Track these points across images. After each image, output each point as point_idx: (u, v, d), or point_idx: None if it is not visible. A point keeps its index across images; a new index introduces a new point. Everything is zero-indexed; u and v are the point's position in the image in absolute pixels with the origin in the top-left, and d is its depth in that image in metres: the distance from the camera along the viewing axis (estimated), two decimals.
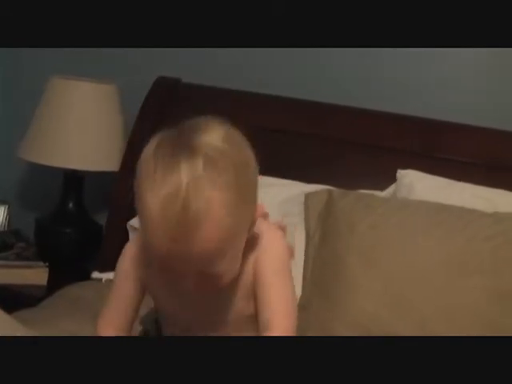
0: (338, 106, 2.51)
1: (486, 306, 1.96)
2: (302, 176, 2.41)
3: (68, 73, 2.71)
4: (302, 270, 2.14)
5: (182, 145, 1.27)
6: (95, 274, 2.43)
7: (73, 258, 2.70)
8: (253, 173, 1.32)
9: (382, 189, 2.34)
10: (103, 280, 2.36)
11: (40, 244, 2.72)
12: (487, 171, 2.32)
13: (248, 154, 1.33)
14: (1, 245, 2.69)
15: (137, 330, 1.54)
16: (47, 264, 2.60)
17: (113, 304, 1.47)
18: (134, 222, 2.39)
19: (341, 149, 2.45)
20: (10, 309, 1.99)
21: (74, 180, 2.72)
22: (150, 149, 1.29)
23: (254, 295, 1.40)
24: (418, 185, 2.28)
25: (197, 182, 1.23)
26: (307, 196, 2.27)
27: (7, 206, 2.90)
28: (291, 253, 1.48)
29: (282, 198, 2.34)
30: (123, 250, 1.49)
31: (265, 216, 1.45)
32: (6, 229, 2.87)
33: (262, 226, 1.39)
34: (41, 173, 2.90)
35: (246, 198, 1.29)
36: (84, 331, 1.70)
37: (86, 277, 2.46)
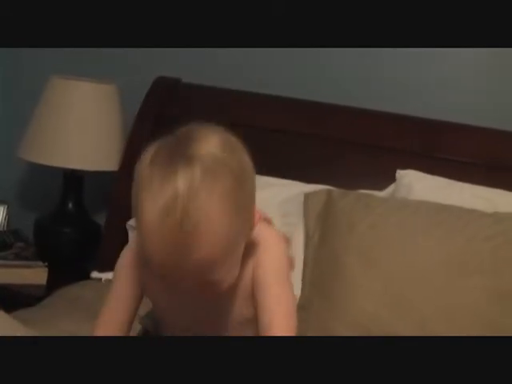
0: (338, 106, 2.51)
1: (486, 306, 1.96)
2: (302, 176, 2.41)
3: (68, 73, 2.71)
4: (301, 270, 2.14)
5: (179, 154, 1.25)
6: (94, 274, 2.44)
7: (72, 257, 2.70)
8: (250, 179, 1.32)
9: (383, 189, 2.34)
10: (102, 280, 2.37)
11: (39, 244, 2.72)
12: (487, 171, 2.32)
13: (245, 160, 1.32)
14: (0, 244, 2.69)
15: (136, 330, 1.53)
16: (46, 264, 2.60)
17: (112, 304, 1.47)
18: (134, 222, 2.38)
19: (341, 149, 2.45)
20: (10, 309, 1.99)
21: (73, 180, 2.72)
22: (146, 158, 1.28)
23: (254, 298, 1.40)
24: (417, 185, 2.28)
25: (194, 192, 1.23)
26: (306, 196, 2.27)
27: (6, 206, 2.90)
28: (292, 264, 1.47)
29: (281, 198, 2.34)
30: (122, 252, 1.49)
31: (268, 222, 1.45)
32: (5, 228, 2.87)
33: (261, 230, 1.39)
34: (40, 173, 2.90)
35: (243, 206, 1.29)
36: (83, 331, 1.69)
37: (86, 277, 2.46)
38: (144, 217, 1.25)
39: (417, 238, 2.04)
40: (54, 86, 2.65)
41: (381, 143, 2.42)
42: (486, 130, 2.37)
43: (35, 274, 2.58)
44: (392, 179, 2.35)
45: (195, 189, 1.23)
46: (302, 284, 2.12)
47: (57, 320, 2.05)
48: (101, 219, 2.70)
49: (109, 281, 1.92)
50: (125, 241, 2.39)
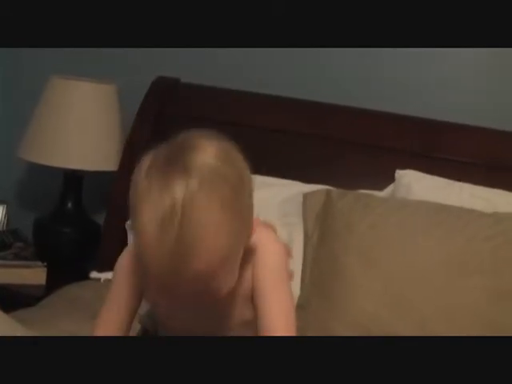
0: (338, 106, 2.51)
1: (485, 306, 1.95)
2: (302, 176, 2.41)
3: (68, 73, 2.71)
4: (300, 271, 2.14)
5: (176, 164, 1.24)
6: (94, 274, 2.43)
7: (71, 257, 2.70)
8: (247, 188, 1.31)
9: (383, 189, 2.34)
10: (102, 280, 2.36)
11: (39, 244, 2.72)
12: (487, 171, 2.32)
13: (242, 167, 1.31)
14: None
15: (135, 329, 1.53)
16: (46, 264, 2.60)
17: (111, 304, 1.47)
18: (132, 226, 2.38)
19: (341, 149, 2.45)
20: (9, 308, 1.99)
21: (73, 180, 2.72)
22: (143, 168, 1.27)
23: (253, 302, 1.40)
24: (417, 185, 2.28)
25: (192, 203, 1.22)
26: (305, 196, 2.27)
27: (6, 206, 2.90)
28: (289, 252, 1.47)
29: (281, 198, 2.34)
30: (122, 253, 1.49)
31: (273, 230, 1.45)
32: (4, 228, 2.87)
33: (259, 235, 1.38)
34: (40, 173, 2.90)
35: (241, 215, 1.28)
36: (83, 331, 1.69)
37: (85, 276, 2.46)
38: (142, 228, 1.24)
39: (417, 238, 2.04)
40: (54, 86, 2.65)
41: (381, 143, 2.42)
42: (486, 130, 2.37)
43: (34, 274, 2.58)
44: (391, 179, 2.35)
45: (193, 200, 1.22)
46: (302, 284, 2.12)
47: (56, 320, 2.05)
48: (100, 219, 2.70)
49: (108, 281, 1.92)
50: (124, 241, 2.39)
